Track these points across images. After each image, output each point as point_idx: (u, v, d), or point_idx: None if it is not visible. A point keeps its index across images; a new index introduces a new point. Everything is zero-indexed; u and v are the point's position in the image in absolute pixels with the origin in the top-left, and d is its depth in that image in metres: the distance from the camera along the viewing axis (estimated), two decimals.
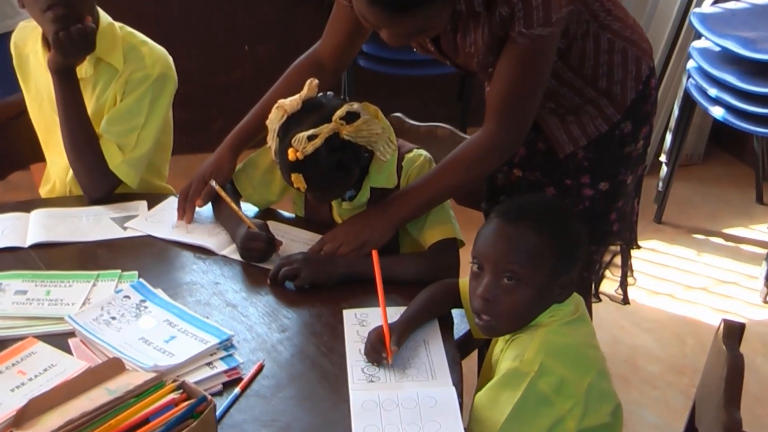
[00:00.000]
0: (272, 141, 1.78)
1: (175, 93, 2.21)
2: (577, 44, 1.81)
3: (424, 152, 1.94)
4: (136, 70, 2.10)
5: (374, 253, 1.64)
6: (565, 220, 1.54)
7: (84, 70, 2.10)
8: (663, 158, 3.70)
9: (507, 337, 1.54)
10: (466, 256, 1.97)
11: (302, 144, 1.70)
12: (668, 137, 3.67)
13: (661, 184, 3.71)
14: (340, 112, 1.73)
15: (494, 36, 1.71)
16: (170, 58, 2.18)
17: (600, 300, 2.18)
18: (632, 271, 2.17)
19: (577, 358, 1.50)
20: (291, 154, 1.71)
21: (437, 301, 1.69)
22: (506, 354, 1.51)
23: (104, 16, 2.13)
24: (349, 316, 1.68)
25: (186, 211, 1.99)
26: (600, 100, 1.88)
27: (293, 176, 1.74)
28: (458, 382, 1.50)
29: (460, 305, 1.70)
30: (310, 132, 1.70)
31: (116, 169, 2.09)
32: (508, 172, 2.01)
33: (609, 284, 2.18)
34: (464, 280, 1.70)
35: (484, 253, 1.49)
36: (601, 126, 1.90)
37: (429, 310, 1.67)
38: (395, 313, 1.65)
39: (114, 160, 2.09)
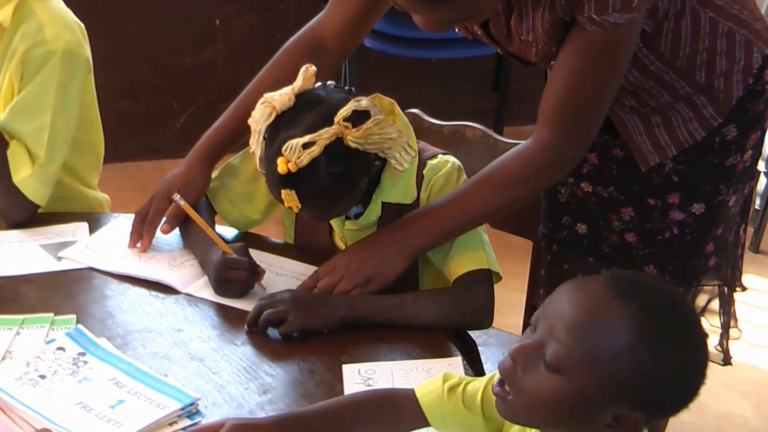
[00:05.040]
0: (257, 146, 1.78)
1: (92, 75, 2.20)
2: (668, 26, 1.80)
3: (451, 158, 1.95)
4: (34, 46, 2.08)
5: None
6: (688, 341, 1.31)
7: None
8: (762, 167, 3.70)
9: None
10: (503, 294, 1.97)
11: (296, 153, 1.70)
12: None
13: (759, 200, 3.71)
14: (344, 112, 1.73)
15: (557, 21, 1.71)
16: (80, 27, 2.17)
17: None
18: (736, 320, 2.14)
19: None
20: (281, 166, 1.71)
21: (364, 416, 1.51)
22: None
23: None
24: (351, 372, 1.68)
25: (143, 237, 2.00)
26: (696, 98, 1.87)
27: (284, 192, 1.75)
28: None
29: (418, 426, 1.51)
30: (307, 138, 1.71)
31: (22, 184, 2.09)
32: (574, 186, 2.02)
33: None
34: (431, 386, 1.51)
35: (546, 308, 1.34)
36: (697, 131, 1.89)
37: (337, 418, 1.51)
38: (410, 368, 1.66)
39: (21, 171, 2.09)
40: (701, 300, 2.08)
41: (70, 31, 2.12)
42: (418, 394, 1.49)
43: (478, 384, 1.48)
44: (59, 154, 2.13)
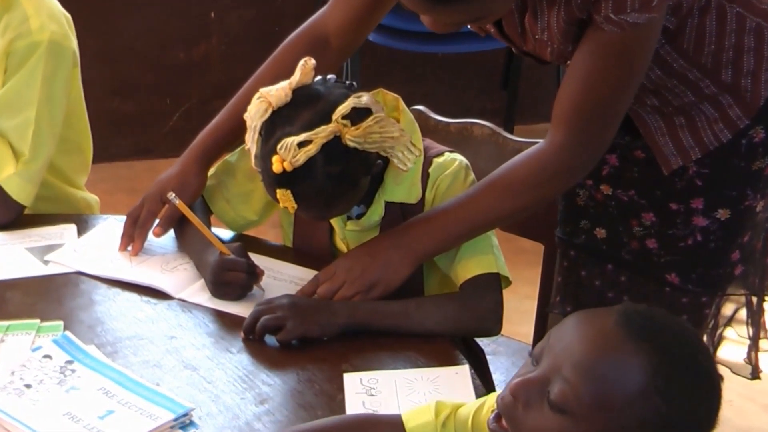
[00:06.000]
0: (252, 143, 1.79)
1: (78, 68, 2.21)
2: (692, 22, 1.79)
3: (459, 157, 1.96)
4: (18, 37, 2.09)
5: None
6: (703, 387, 1.29)
7: None
8: None
9: None
10: (513, 301, 1.97)
11: (291, 152, 1.71)
12: None
13: None
14: (342, 109, 1.74)
15: (573, 20, 1.71)
16: (66, 18, 2.17)
17: None
18: (766, 331, 2.13)
19: None
20: (277, 165, 1.72)
21: None
22: None
23: None
24: (353, 381, 1.69)
25: (135, 240, 2.01)
26: (722, 98, 1.87)
27: (279, 192, 1.76)
28: None
29: None
30: (303, 136, 1.72)
31: (6, 183, 2.10)
32: (593, 188, 2.02)
33: (730, 348, 2.14)
34: (422, 418, 1.48)
35: (551, 340, 1.31)
36: (723, 133, 1.89)
37: None
38: (414, 377, 1.66)
39: (4, 169, 2.11)
40: (728, 309, 2.08)
41: (56, 22, 2.13)
42: (407, 426, 1.46)
43: (467, 410, 1.45)
44: (45, 151, 2.14)
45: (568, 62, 1.79)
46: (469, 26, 1.85)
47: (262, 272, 1.90)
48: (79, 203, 2.35)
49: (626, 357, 1.23)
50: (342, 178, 1.77)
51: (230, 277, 1.87)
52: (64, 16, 2.17)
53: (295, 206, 1.77)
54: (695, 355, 1.27)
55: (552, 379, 1.25)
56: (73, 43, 2.18)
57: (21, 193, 2.11)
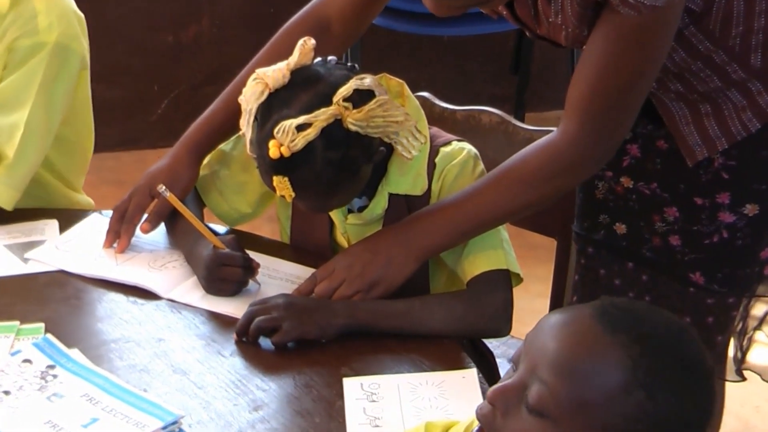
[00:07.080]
0: (247, 127, 1.79)
1: (87, 71, 2.23)
2: (719, 3, 1.79)
3: (467, 146, 1.96)
4: (24, 35, 2.10)
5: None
6: (690, 379, 1.27)
7: None
8: None
9: None
10: (524, 300, 1.97)
11: (289, 135, 1.71)
12: None
13: None
14: (344, 91, 1.74)
15: (588, 2, 1.71)
16: (78, 18, 2.18)
17: (744, 378, 2.15)
18: None
19: None
20: (273, 150, 1.72)
21: None
22: None
23: None
24: (353, 386, 1.69)
25: (121, 236, 2.01)
26: (751, 84, 1.86)
27: (276, 179, 1.76)
28: None
29: None
30: (302, 119, 1.72)
31: None
32: (613, 180, 2.02)
33: (760, 352, 2.14)
34: None
35: (527, 343, 1.31)
36: (751, 122, 1.88)
37: None
38: (419, 381, 1.66)
39: None
40: (758, 311, 2.08)
41: (66, 22, 2.14)
42: None
43: (457, 430, 1.44)
44: (31, 156, 2.14)
45: (585, 47, 1.79)
46: (479, 8, 1.85)
47: (258, 265, 1.90)
48: (74, 207, 2.34)
49: (603, 351, 1.22)
50: (342, 164, 1.77)
51: (225, 272, 1.87)
52: (76, 16, 2.18)
53: (293, 195, 1.77)
54: (680, 345, 1.26)
55: (529, 384, 1.24)
56: (83, 45, 2.19)
57: (2, 196, 2.11)
